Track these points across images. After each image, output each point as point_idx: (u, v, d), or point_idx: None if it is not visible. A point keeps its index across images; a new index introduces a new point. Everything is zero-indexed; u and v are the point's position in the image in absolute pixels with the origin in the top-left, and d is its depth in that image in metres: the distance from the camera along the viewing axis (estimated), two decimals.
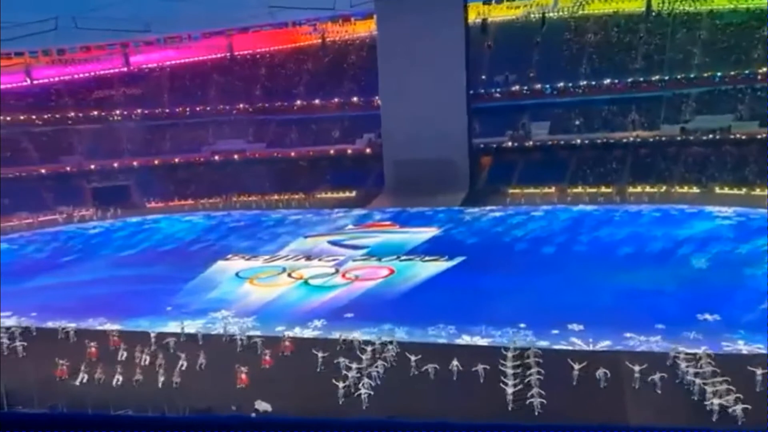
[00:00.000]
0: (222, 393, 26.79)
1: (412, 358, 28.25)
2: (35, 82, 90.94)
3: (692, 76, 74.98)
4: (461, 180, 72.00)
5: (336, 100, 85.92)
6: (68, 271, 50.50)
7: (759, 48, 73.18)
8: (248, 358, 30.22)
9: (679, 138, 71.60)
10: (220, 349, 31.02)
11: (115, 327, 35.67)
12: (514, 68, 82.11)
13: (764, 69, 70.69)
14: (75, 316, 37.74)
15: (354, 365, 27.93)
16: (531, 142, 76.97)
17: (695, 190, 63.50)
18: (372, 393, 25.91)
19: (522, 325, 32.79)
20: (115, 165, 79.66)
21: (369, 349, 29.69)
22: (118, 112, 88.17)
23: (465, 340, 32.13)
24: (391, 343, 30.52)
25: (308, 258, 50.15)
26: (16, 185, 73.75)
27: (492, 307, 36.45)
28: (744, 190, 60.98)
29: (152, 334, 32.84)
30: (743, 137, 68.02)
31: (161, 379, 28.44)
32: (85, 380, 29.07)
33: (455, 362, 27.56)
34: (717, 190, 62.56)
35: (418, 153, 70.04)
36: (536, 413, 24.11)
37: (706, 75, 74.34)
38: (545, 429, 3.90)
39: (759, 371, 25.22)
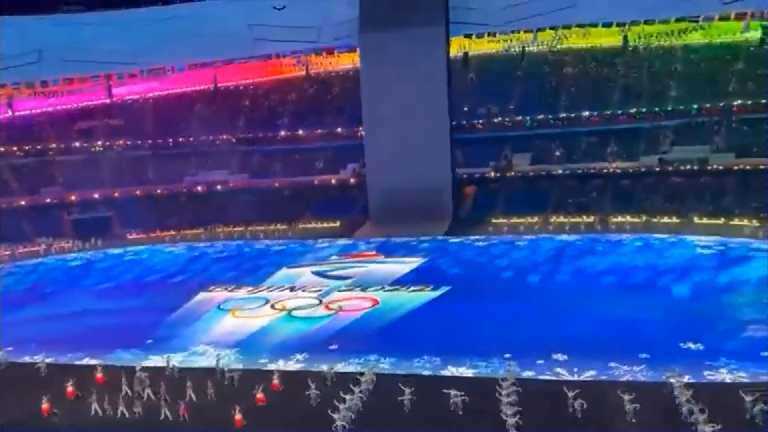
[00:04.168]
0: (210, 428, 26.31)
1: (404, 389, 27.99)
2: (17, 114, 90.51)
3: (669, 108, 76.57)
4: (445, 209, 72.28)
5: (320, 130, 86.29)
6: (48, 304, 49.64)
7: (733, 81, 75.18)
8: (233, 392, 29.78)
9: (657, 169, 72.77)
10: (203, 382, 30.50)
11: (95, 361, 35.04)
12: (496, 100, 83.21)
13: (738, 102, 72.66)
14: (54, 349, 37.03)
15: (341, 398, 27.65)
16: (513, 173, 77.76)
17: (675, 219, 64.31)
18: (351, 426, 25.65)
19: (507, 356, 32.77)
20: (96, 196, 78.94)
21: (353, 381, 29.48)
22: (100, 143, 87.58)
23: (450, 371, 32.01)
24: (373, 374, 30.32)
25: (292, 289, 49.84)
26: None
27: (477, 338, 36.41)
28: (722, 220, 61.80)
29: (136, 368, 32.23)
30: (720, 168, 69.31)
31: (144, 415, 27.89)
32: (64, 416, 28.41)
33: (451, 393, 27.36)
34: (696, 219, 63.43)
35: (402, 183, 70.28)
36: None
37: (682, 107, 75.98)
38: None
39: (748, 398, 25.37)
